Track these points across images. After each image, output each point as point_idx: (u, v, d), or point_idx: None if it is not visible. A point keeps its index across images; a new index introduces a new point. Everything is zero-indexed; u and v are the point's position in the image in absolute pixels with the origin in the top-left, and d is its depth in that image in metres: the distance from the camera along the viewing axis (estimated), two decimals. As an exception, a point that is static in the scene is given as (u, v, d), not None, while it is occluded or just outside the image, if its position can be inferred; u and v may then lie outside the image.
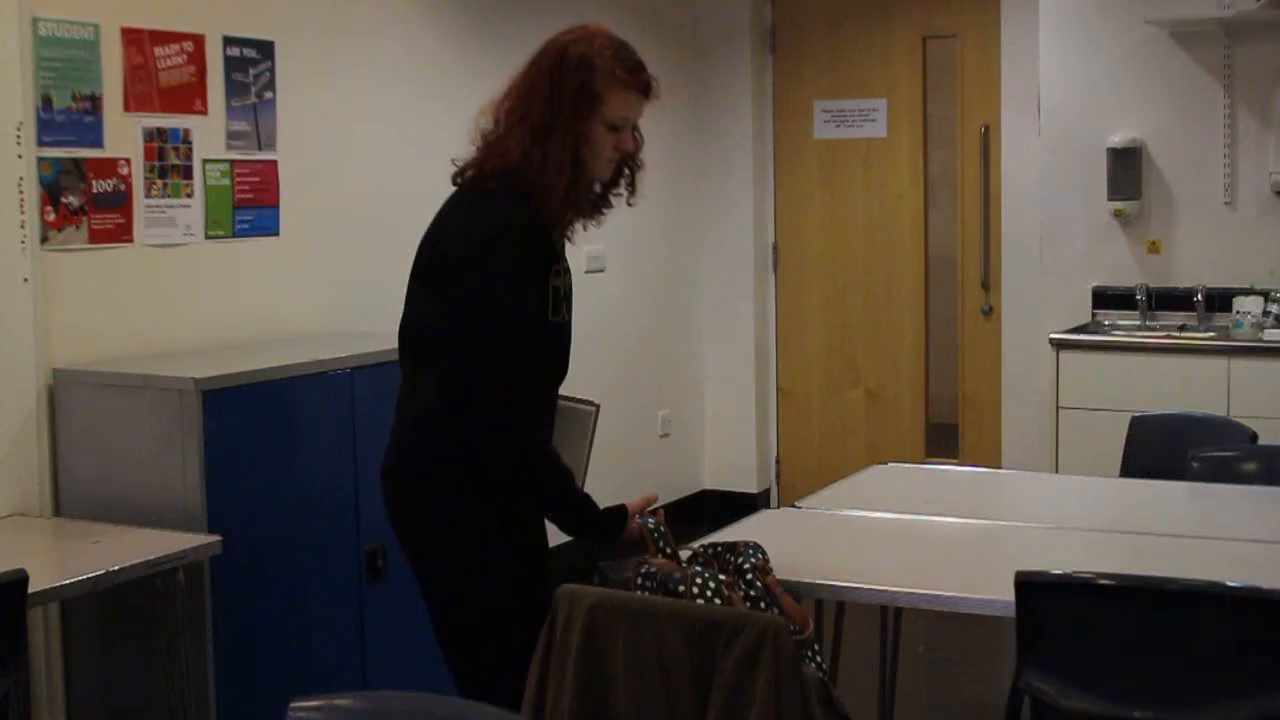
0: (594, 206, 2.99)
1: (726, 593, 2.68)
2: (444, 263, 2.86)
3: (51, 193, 3.92)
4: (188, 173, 4.32)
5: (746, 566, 2.79)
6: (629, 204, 3.08)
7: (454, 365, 2.83)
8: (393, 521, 2.94)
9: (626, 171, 3.02)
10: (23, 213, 3.81)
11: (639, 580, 2.74)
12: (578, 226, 3.02)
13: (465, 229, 2.86)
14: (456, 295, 2.81)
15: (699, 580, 2.67)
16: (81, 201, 4.00)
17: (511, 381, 2.77)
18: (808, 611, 2.83)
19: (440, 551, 2.89)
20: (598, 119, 2.86)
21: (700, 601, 2.65)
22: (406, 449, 2.93)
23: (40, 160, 3.88)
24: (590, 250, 5.99)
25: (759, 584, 2.76)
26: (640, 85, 2.90)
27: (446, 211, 2.95)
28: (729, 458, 7.16)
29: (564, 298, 2.93)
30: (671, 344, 6.92)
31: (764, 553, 2.83)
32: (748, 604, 2.71)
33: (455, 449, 2.83)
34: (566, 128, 2.83)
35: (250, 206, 4.53)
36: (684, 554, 2.90)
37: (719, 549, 2.88)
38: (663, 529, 2.88)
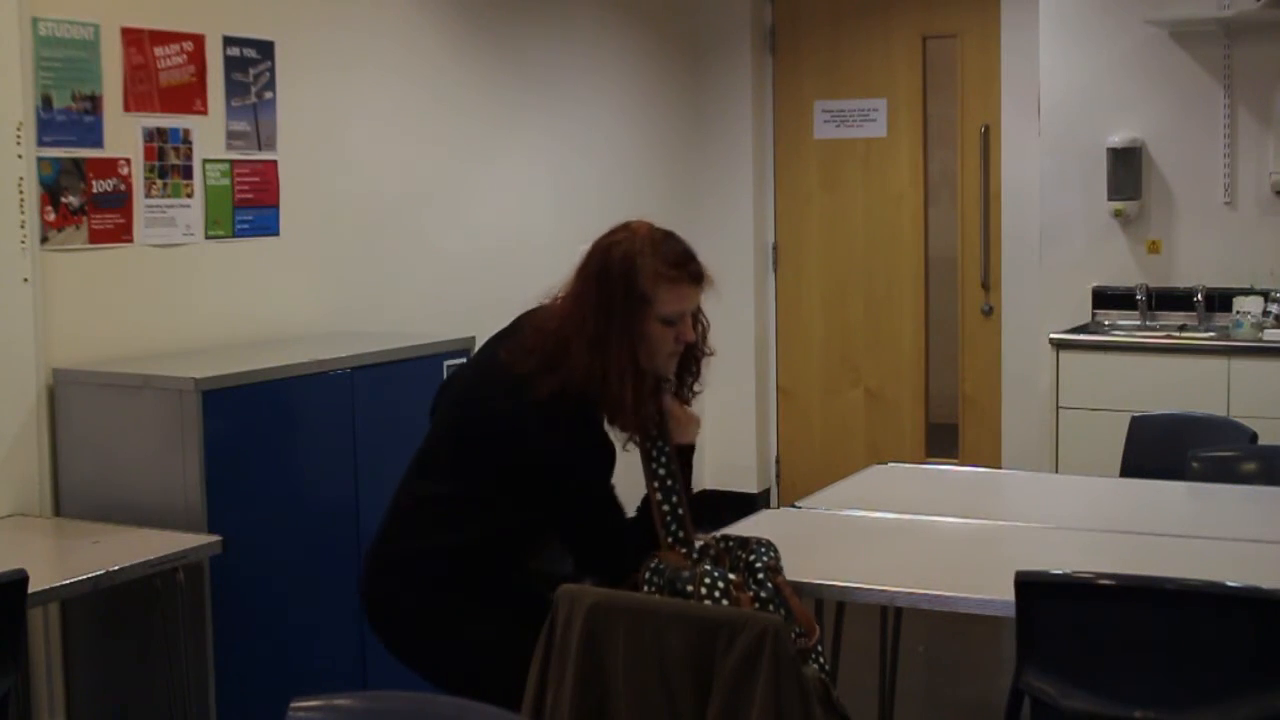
0: (659, 413, 2.96)
1: (735, 594, 2.67)
2: (520, 467, 2.85)
3: (51, 193, 3.92)
4: (188, 173, 4.32)
5: (758, 565, 2.79)
6: (695, 391, 3.06)
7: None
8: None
9: (693, 365, 2.99)
10: (23, 213, 3.81)
11: (647, 575, 2.74)
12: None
13: (548, 447, 2.84)
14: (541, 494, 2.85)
15: (707, 580, 2.67)
16: (81, 201, 4.00)
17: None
18: (810, 613, 2.83)
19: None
20: (651, 318, 2.82)
21: (708, 603, 2.65)
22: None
23: (40, 160, 3.88)
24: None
25: (769, 585, 2.76)
26: (689, 276, 2.86)
27: (508, 403, 2.88)
28: (729, 457, 7.16)
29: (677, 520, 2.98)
30: (671, 344, 6.91)
31: (776, 551, 2.83)
32: (756, 605, 2.71)
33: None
34: (621, 334, 2.80)
35: (250, 206, 4.53)
36: (696, 543, 2.90)
37: (731, 544, 2.88)
38: (680, 511, 2.87)
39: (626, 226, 2.92)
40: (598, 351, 2.79)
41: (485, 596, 2.88)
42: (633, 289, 2.81)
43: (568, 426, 2.82)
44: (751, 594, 2.73)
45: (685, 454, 3.02)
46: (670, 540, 2.87)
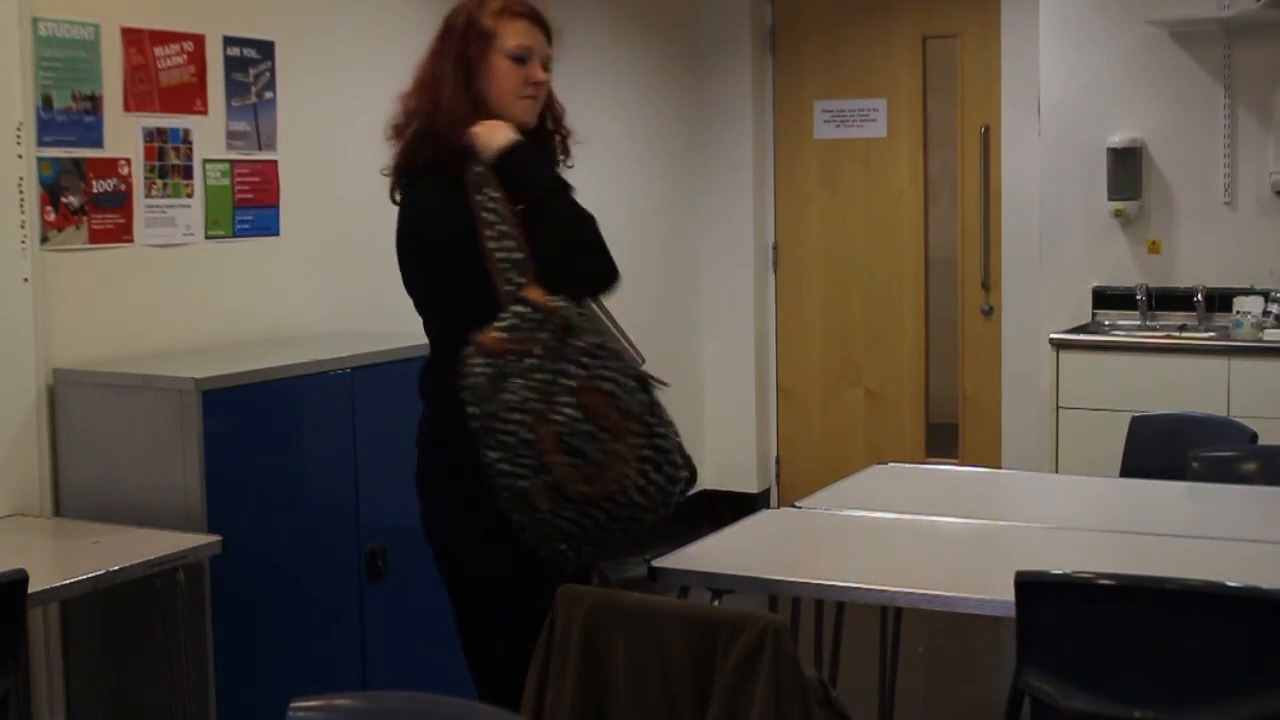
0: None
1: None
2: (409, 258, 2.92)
3: (51, 193, 3.92)
4: (188, 173, 4.32)
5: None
6: (567, 167, 3.05)
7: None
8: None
9: (560, 142, 3.02)
10: (23, 213, 3.81)
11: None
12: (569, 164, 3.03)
13: (404, 226, 2.93)
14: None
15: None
16: (81, 201, 4.00)
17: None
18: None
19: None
20: (495, 51, 2.87)
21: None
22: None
23: (40, 160, 3.88)
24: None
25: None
26: (530, 14, 2.91)
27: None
28: (729, 457, 7.16)
29: (515, 265, 2.79)
30: (672, 344, 6.92)
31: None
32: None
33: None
34: (457, 61, 2.86)
35: (250, 206, 4.53)
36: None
37: None
38: (517, 256, 2.78)
39: None
40: (431, 86, 2.88)
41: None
42: (473, 26, 2.87)
43: (416, 194, 2.90)
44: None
45: (521, 183, 2.84)
46: (510, 289, 2.74)
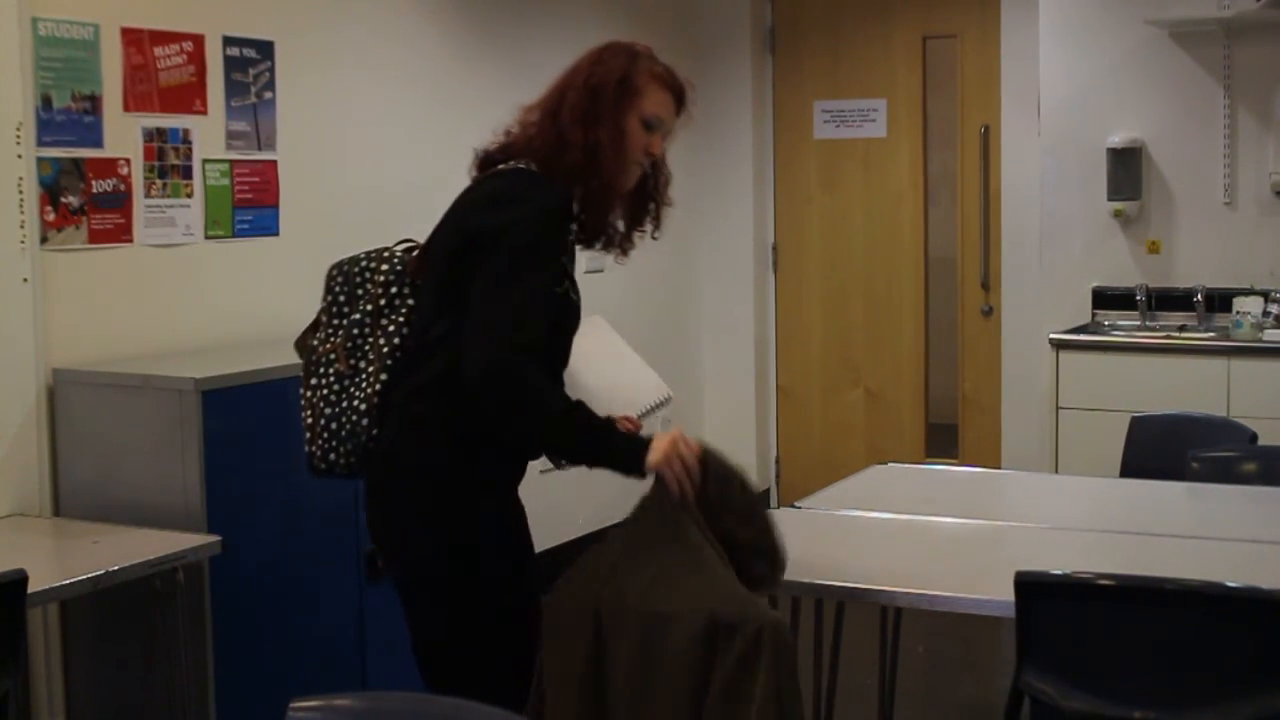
0: (618, 231, 2.95)
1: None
2: (473, 239, 2.70)
3: (51, 193, 3.92)
4: (187, 173, 4.32)
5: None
6: (654, 238, 3.04)
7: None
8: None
9: (652, 206, 2.98)
10: (22, 213, 3.81)
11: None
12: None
13: (500, 193, 2.76)
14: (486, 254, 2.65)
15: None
16: (81, 201, 4.00)
17: (520, 323, 2.60)
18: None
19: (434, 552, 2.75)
20: (634, 112, 2.83)
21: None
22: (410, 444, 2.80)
23: (40, 160, 3.88)
24: (589, 250, 5.98)
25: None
26: (676, 87, 2.93)
27: (467, 195, 2.85)
28: (729, 457, 7.14)
29: (575, 302, 2.86)
30: (671, 344, 6.92)
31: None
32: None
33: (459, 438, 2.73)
34: (608, 116, 2.80)
35: (250, 206, 4.53)
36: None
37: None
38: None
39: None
40: (578, 126, 2.77)
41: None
42: (627, 79, 2.83)
43: (527, 178, 2.76)
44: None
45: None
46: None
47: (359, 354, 2.84)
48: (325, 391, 2.84)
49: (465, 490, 2.73)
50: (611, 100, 2.81)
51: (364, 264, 2.87)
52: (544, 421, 2.63)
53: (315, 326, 2.92)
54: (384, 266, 2.85)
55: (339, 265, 2.90)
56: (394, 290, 2.85)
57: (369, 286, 2.84)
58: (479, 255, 2.66)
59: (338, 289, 2.88)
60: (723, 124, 7.00)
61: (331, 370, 2.84)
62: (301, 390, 2.88)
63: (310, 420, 2.85)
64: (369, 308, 2.83)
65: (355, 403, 2.81)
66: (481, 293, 2.63)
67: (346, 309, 2.85)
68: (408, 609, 2.85)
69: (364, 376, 2.82)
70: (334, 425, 2.81)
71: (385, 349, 2.81)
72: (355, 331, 2.84)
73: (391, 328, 2.82)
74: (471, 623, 2.75)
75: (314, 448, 2.85)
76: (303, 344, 2.94)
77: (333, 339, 2.85)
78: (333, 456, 2.83)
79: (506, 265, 2.63)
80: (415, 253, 2.88)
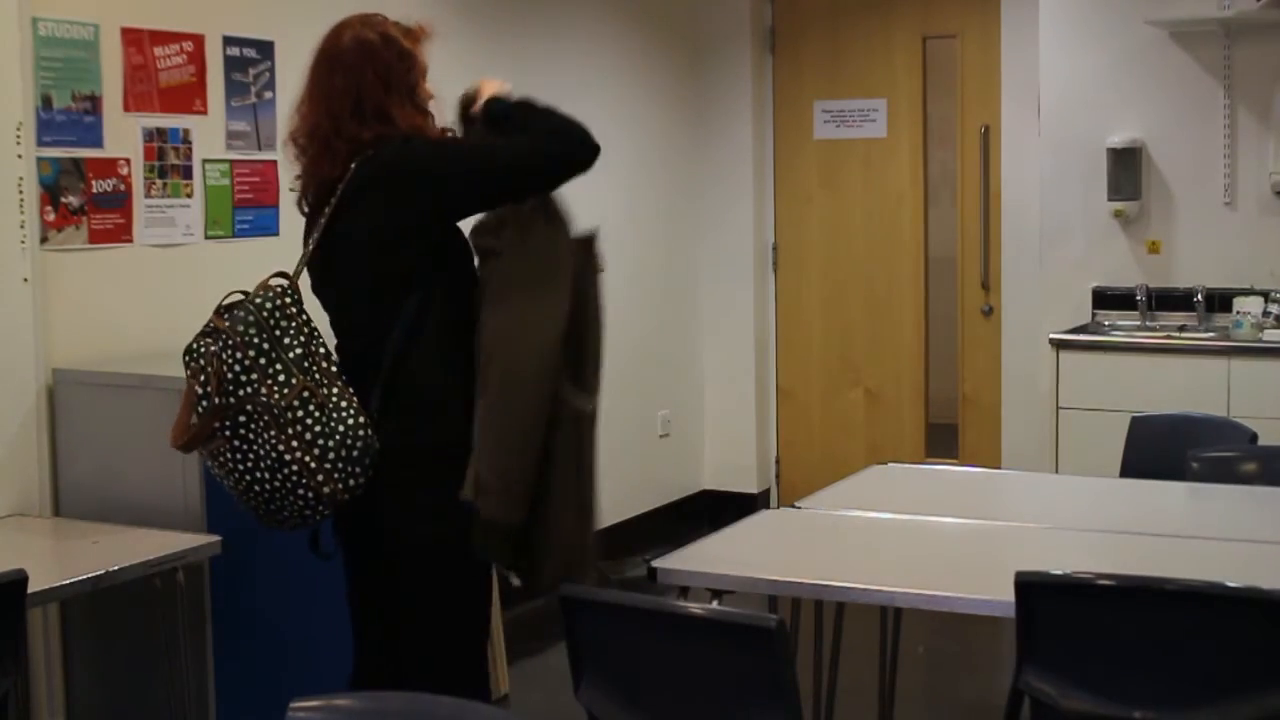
0: None
1: None
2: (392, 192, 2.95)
3: (51, 193, 3.92)
4: (187, 173, 4.32)
5: None
6: None
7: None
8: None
9: None
10: (22, 213, 3.81)
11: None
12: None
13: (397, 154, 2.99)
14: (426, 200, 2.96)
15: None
16: (81, 201, 4.00)
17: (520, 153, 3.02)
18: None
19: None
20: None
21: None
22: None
23: (40, 160, 3.88)
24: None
25: None
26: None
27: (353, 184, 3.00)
28: (729, 458, 7.16)
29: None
30: (671, 344, 6.92)
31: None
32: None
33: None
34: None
35: (250, 206, 4.53)
36: None
37: None
38: None
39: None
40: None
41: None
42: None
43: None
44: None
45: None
46: None
47: (319, 382, 2.87)
48: (317, 429, 2.84)
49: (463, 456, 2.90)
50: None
51: (268, 307, 2.91)
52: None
53: (203, 406, 2.87)
54: (287, 299, 2.93)
55: (222, 328, 2.90)
56: (305, 315, 2.94)
57: (287, 322, 2.90)
58: (433, 188, 2.95)
59: (247, 344, 2.86)
60: (722, 124, 7.00)
61: (310, 407, 2.84)
62: (268, 451, 2.85)
63: (312, 464, 2.83)
64: (301, 338, 2.89)
65: (351, 422, 2.86)
66: (480, 165, 3.02)
67: (272, 353, 2.86)
68: (397, 580, 3.02)
69: (336, 397, 2.87)
70: (343, 451, 2.84)
71: (332, 367, 2.91)
72: (306, 364, 2.87)
73: (323, 349, 2.92)
74: (467, 569, 2.98)
75: (330, 486, 2.85)
76: (212, 423, 2.87)
77: (285, 383, 2.84)
78: (352, 482, 2.87)
79: (464, 158, 3.03)
80: (295, 273, 3.03)
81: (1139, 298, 5.91)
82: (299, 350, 2.87)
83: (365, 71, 2.97)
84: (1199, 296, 5.82)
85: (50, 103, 3.91)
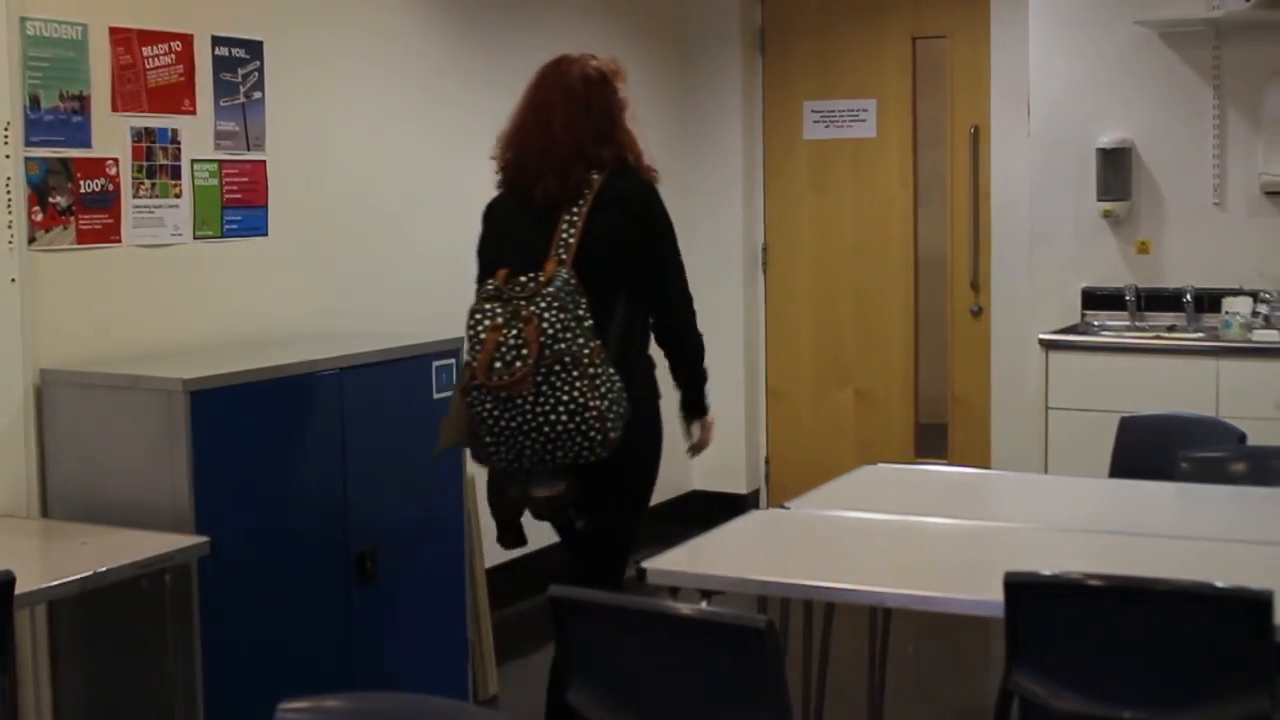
0: None
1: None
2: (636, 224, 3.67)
3: (39, 193, 3.91)
4: (176, 173, 4.31)
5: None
6: None
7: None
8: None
9: None
10: (10, 213, 3.80)
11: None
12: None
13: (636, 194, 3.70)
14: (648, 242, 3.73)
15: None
16: (69, 202, 3.99)
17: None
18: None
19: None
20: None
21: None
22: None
23: (28, 160, 3.87)
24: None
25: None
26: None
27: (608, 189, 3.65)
28: (718, 458, 7.10)
29: None
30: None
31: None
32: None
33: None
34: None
35: (239, 207, 4.52)
36: None
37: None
38: None
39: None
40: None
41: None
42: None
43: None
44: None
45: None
46: None
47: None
48: (608, 385, 3.40)
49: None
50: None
51: (574, 282, 3.46)
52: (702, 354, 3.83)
53: (522, 356, 3.36)
54: (574, 279, 3.46)
55: (545, 293, 3.43)
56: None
57: (580, 296, 3.45)
58: (653, 241, 3.70)
59: (558, 305, 3.39)
60: (712, 124, 7.01)
61: (605, 366, 3.42)
62: (574, 396, 3.35)
63: (610, 413, 3.38)
64: (580, 312, 3.42)
65: (620, 385, 3.45)
66: (667, 271, 3.79)
67: (582, 316, 3.42)
68: (610, 499, 3.61)
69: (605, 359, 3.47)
70: (618, 407, 3.42)
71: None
72: (593, 328, 3.46)
73: (589, 321, 3.46)
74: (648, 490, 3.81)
75: (616, 432, 3.40)
76: (535, 371, 3.36)
77: (587, 343, 3.40)
78: (619, 434, 3.42)
79: (671, 251, 3.79)
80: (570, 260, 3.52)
81: (1128, 298, 5.92)
82: (589, 321, 3.42)
83: (595, 101, 3.75)
84: (1188, 297, 5.83)
85: (38, 102, 3.90)
